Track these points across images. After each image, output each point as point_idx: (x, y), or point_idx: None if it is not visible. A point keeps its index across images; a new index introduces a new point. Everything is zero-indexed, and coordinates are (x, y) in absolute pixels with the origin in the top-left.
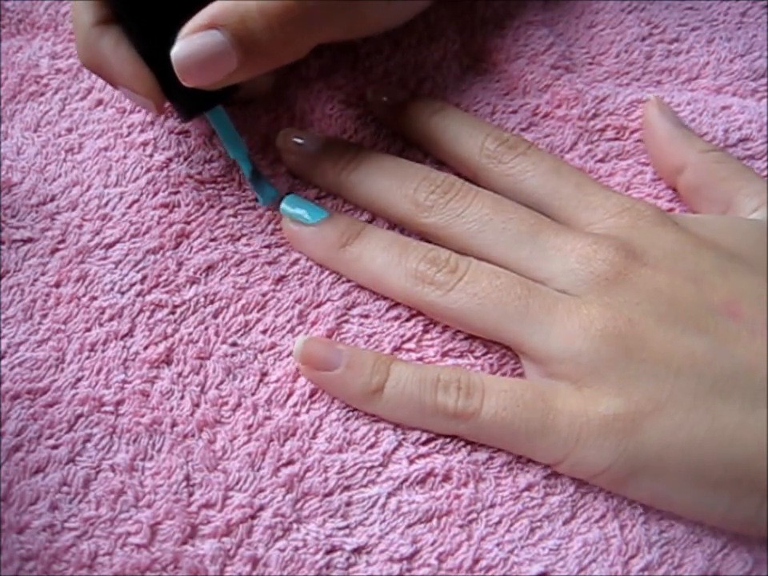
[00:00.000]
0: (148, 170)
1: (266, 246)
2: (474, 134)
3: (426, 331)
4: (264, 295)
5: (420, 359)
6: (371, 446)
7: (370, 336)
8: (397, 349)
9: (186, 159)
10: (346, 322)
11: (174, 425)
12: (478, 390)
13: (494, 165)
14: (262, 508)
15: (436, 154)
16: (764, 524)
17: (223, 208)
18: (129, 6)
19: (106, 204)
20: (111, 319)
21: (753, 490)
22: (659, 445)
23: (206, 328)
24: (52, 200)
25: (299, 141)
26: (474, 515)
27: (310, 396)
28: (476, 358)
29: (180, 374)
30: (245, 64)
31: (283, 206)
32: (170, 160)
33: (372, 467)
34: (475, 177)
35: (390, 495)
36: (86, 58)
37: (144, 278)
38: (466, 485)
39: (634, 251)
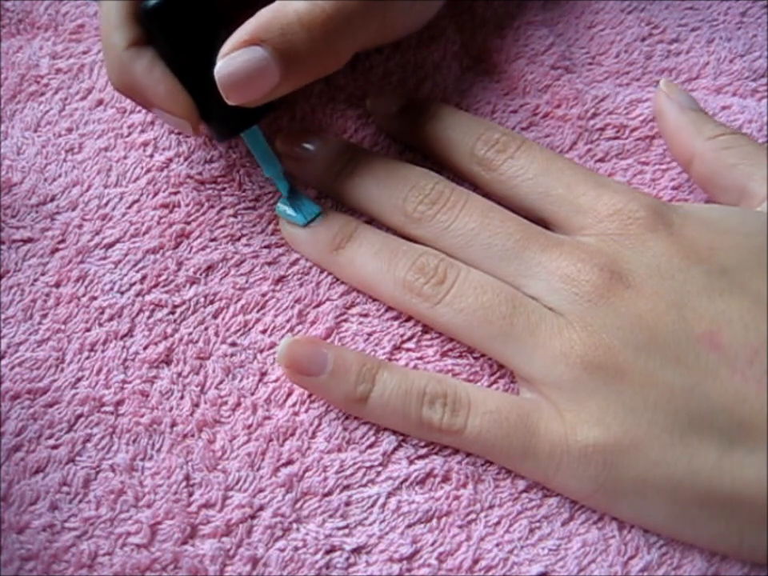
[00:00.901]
0: (148, 170)
1: (265, 247)
2: (464, 140)
3: (425, 331)
4: (264, 295)
5: (420, 359)
6: (371, 446)
7: (369, 335)
8: (397, 348)
9: (186, 159)
10: (345, 321)
11: (173, 425)
12: (464, 408)
13: (485, 172)
14: (261, 508)
15: (433, 159)
16: (750, 551)
17: (223, 208)
18: (164, 26)
19: (106, 204)
20: (111, 319)
21: (731, 523)
22: (636, 480)
23: (206, 328)
24: (52, 200)
25: (297, 148)
26: (474, 516)
27: (309, 395)
28: (475, 358)
29: (180, 374)
30: (287, 77)
31: (278, 207)
32: (170, 160)
33: (371, 467)
34: (470, 181)
35: (389, 495)
36: (119, 82)
37: (144, 277)
38: (465, 486)
39: (620, 272)
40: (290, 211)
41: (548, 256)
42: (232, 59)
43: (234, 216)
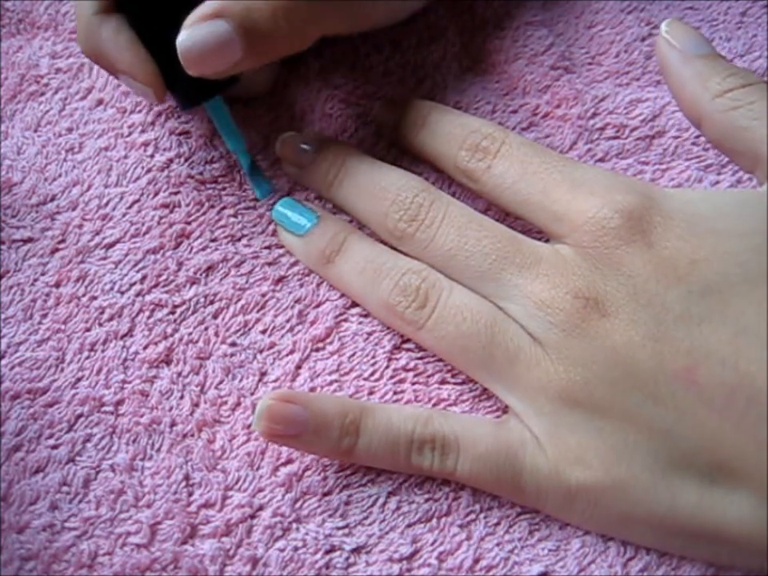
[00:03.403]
0: (149, 170)
1: (266, 247)
2: (448, 152)
3: None
4: (264, 295)
5: (420, 359)
6: None
7: (369, 334)
8: (397, 348)
9: (186, 160)
10: (345, 320)
11: (173, 424)
12: (453, 452)
13: (471, 183)
14: (261, 508)
15: (431, 166)
16: (744, 568)
17: (224, 208)
18: None
19: (107, 204)
20: (111, 319)
21: (719, 554)
22: (621, 516)
23: (206, 328)
24: (52, 200)
25: (300, 146)
26: (473, 516)
27: None
28: None
29: (179, 374)
30: (249, 53)
31: (274, 212)
32: (171, 160)
33: (371, 466)
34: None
35: (389, 495)
36: (87, 47)
37: (144, 277)
38: (463, 487)
39: (595, 297)
40: (284, 218)
41: (524, 279)
42: (195, 30)
43: (235, 216)
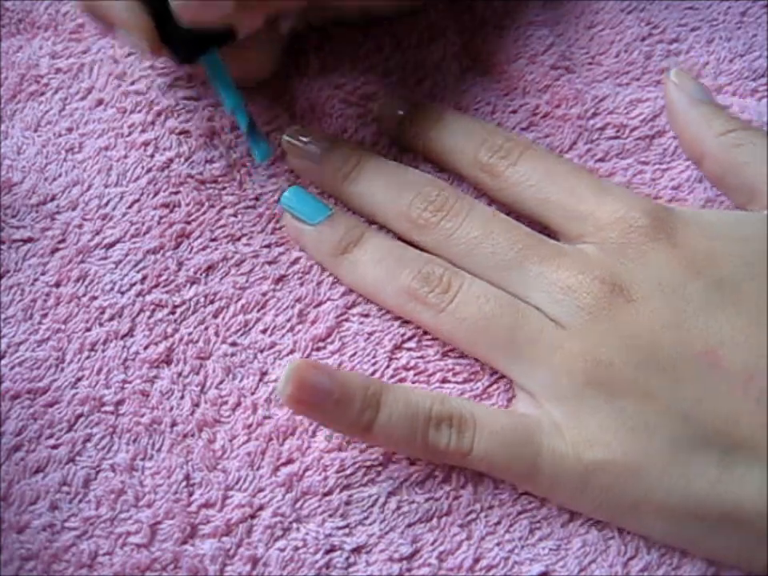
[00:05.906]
0: (149, 170)
1: (266, 246)
2: (467, 146)
3: (426, 331)
4: (264, 295)
5: (420, 358)
6: (371, 445)
7: (370, 334)
8: (397, 347)
9: (186, 159)
10: (346, 320)
11: (173, 424)
12: (470, 429)
13: (489, 179)
14: (261, 507)
15: (436, 164)
16: (748, 564)
17: (224, 208)
18: None
19: (107, 204)
20: (111, 319)
21: (730, 539)
22: (635, 501)
23: (206, 328)
24: (52, 200)
25: (304, 140)
26: (474, 515)
27: None
28: (476, 358)
29: (180, 374)
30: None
31: (284, 199)
32: (171, 160)
33: (372, 466)
34: (475, 187)
35: (389, 495)
36: (83, 2)
37: (144, 277)
38: (464, 486)
39: (621, 285)
40: (296, 207)
41: (549, 267)
42: None
43: (235, 215)
